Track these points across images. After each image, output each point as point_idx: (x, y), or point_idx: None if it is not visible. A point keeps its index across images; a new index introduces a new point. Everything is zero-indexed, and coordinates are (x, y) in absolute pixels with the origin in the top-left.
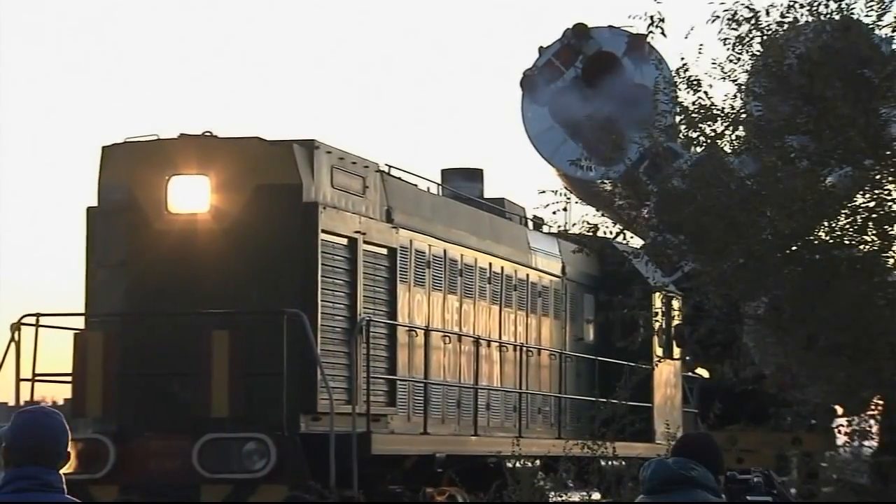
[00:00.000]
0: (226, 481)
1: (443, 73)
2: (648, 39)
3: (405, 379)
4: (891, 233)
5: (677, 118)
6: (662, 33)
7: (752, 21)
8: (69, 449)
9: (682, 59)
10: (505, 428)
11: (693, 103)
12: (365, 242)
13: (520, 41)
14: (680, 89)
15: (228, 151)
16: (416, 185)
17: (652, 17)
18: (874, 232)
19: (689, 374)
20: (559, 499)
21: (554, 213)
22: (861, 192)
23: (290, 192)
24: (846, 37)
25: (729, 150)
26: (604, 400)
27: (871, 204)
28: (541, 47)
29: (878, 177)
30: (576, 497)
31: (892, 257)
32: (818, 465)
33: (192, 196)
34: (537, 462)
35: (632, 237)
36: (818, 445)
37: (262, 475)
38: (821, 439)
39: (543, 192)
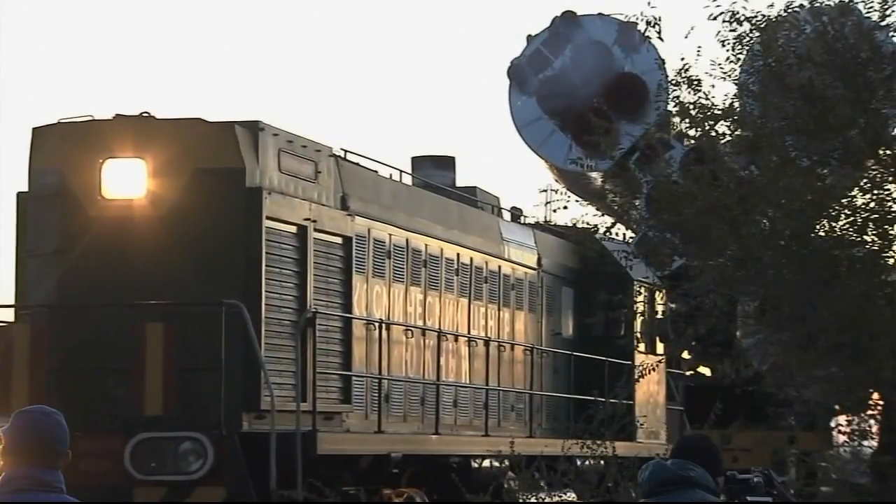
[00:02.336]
0: (160, 483)
1: (422, 61)
2: (641, 31)
3: (358, 374)
4: (891, 233)
5: (673, 111)
6: (659, 36)
7: (752, 21)
8: (68, 448)
9: (682, 58)
10: (474, 426)
11: (693, 104)
12: (316, 230)
13: (506, 29)
14: (680, 90)
15: (166, 133)
16: (375, 172)
17: (648, 21)
18: (874, 232)
19: (691, 372)
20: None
21: (554, 211)
22: (861, 192)
23: (231, 176)
24: (843, 26)
25: (728, 149)
26: (580, 397)
27: (871, 204)
28: (529, 36)
29: (878, 177)
30: (552, 498)
31: (893, 257)
32: (817, 465)
33: (127, 181)
34: (506, 462)
35: (631, 237)
36: (814, 444)
37: (199, 476)
38: (817, 438)
39: (544, 190)
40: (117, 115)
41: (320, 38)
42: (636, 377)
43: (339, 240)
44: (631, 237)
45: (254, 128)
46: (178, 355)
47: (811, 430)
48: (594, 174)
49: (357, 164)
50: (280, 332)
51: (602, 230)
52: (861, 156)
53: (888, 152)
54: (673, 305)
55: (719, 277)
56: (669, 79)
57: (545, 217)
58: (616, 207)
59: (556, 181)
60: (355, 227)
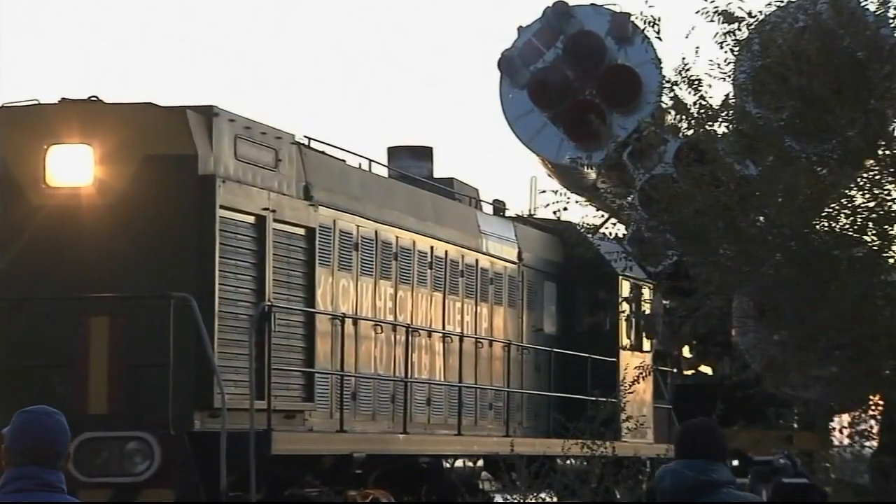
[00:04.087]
0: (104, 485)
1: (408, 51)
2: (639, 27)
3: (320, 371)
4: (891, 233)
5: (668, 106)
6: (658, 36)
7: (746, 21)
8: (69, 449)
9: (683, 58)
10: (449, 425)
11: (694, 104)
12: (275, 221)
13: (495, 18)
14: (679, 89)
15: (115, 118)
16: (343, 161)
17: (646, 19)
18: (874, 232)
19: (692, 371)
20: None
21: (555, 212)
22: (861, 192)
23: (183, 163)
24: (840, 25)
25: (726, 147)
26: (560, 395)
27: (871, 204)
28: (520, 27)
29: (877, 177)
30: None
31: (893, 257)
32: (816, 465)
33: (73, 167)
34: (480, 462)
35: (624, 234)
36: (812, 444)
37: (145, 478)
38: (815, 438)
39: (544, 191)
40: (63, 98)
41: (298, 26)
42: (634, 381)
43: (301, 231)
44: (624, 233)
45: (208, 113)
46: (124, 351)
47: (810, 430)
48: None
49: (322, 152)
50: (236, 327)
51: (596, 225)
52: (861, 156)
53: (888, 152)
54: (666, 302)
55: (720, 279)
56: (666, 78)
57: (530, 210)
58: (614, 205)
59: (549, 176)
60: (319, 217)
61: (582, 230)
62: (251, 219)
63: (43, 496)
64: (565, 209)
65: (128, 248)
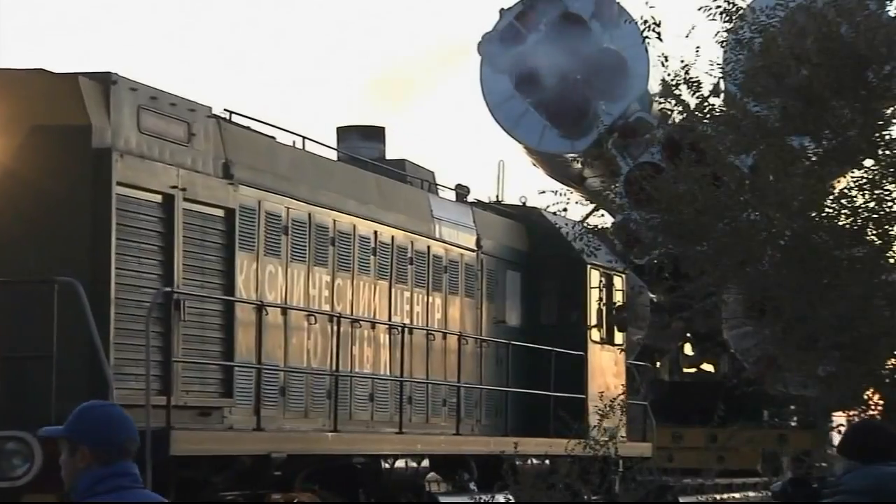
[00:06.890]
0: None
1: (393, 38)
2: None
3: (237, 364)
4: (891, 233)
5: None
6: (659, 37)
7: (744, 17)
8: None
9: (682, 60)
10: (394, 423)
11: (697, 106)
12: (186, 200)
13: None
14: (680, 91)
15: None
16: (272, 138)
17: (646, 21)
18: (874, 232)
19: (693, 369)
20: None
21: (555, 214)
22: (861, 192)
23: (75, 134)
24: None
25: (718, 134)
26: (520, 390)
27: (871, 204)
28: (502, 9)
29: (877, 177)
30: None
31: (893, 257)
32: (813, 465)
33: None
34: (425, 462)
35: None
36: (806, 443)
37: (25, 482)
38: (808, 437)
39: (544, 192)
40: None
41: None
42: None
43: (219, 212)
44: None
45: (105, 80)
46: (2, 341)
47: (806, 429)
48: (571, 155)
49: (247, 128)
50: (139, 316)
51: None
52: (861, 156)
53: (888, 152)
54: (653, 296)
55: (718, 274)
56: (668, 77)
57: (498, 196)
58: (599, 197)
59: (534, 165)
60: (240, 197)
61: (580, 231)
62: (157, 197)
63: (142, 494)
64: (565, 210)
65: (12, 228)
